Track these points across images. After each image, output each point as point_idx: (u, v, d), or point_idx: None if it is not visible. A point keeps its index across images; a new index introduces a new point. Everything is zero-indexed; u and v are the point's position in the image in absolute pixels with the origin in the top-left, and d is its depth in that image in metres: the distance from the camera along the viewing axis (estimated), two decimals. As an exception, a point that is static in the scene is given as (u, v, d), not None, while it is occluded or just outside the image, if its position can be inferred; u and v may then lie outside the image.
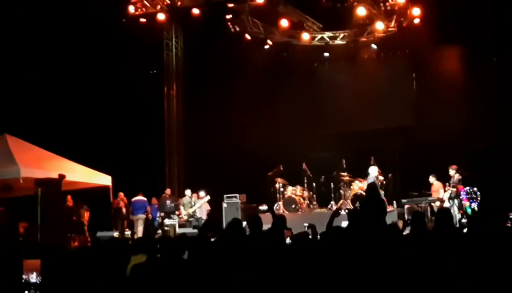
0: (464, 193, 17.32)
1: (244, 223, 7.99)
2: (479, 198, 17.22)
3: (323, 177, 20.69)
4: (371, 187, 11.62)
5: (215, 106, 22.74)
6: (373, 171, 18.03)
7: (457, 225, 14.93)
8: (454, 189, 17.36)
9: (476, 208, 17.08)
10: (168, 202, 20.68)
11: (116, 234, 17.75)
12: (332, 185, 20.23)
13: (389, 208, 17.36)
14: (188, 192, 20.30)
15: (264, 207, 18.83)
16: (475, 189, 17.31)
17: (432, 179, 18.38)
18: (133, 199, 21.06)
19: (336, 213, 8.69)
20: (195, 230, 17.91)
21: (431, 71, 21.10)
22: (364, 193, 18.55)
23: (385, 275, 6.20)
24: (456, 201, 17.27)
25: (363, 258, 6.45)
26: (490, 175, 18.42)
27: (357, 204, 17.49)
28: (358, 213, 10.24)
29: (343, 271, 6.26)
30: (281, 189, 20.38)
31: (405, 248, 6.97)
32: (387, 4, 20.32)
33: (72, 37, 21.20)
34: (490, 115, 19.25)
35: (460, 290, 6.02)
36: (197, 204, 19.98)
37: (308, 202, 20.36)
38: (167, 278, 6.32)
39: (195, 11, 20.96)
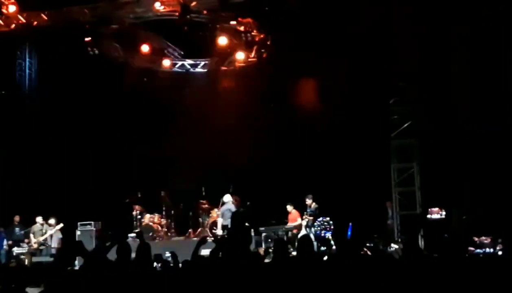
0: (318, 222, 17.81)
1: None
2: (331, 227, 17.77)
3: (181, 204, 20.53)
4: (236, 215, 11.59)
5: (71, 129, 21.96)
6: (227, 198, 18.19)
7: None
8: (311, 218, 17.80)
9: (330, 237, 17.59)
10: (17, 229, 19.73)
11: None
12: (190, 213, 20.10)
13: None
14: (39, 219, 19.43)
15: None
16: (328, 218, 17.85)
17: (289, 207, 18.75)
18: None
19: (203, 241, 8.54)
20: (51, 259, 17.19)
21: (289, 101, 21.54)
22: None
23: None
24: (312, 229, 17.72)
25: (227, 287, 6.39)
26: (346, 204, 19.08)
27: (225, 232, 17.64)
28: (224, 242, 10.18)
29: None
30: (139, 217, 19.96)
31: (268, 275, 6.98)
32: (248, 35, 20.64)
33: None
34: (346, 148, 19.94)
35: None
36: (49, 232, 19.19)
37: (166, 229, 20.07)
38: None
39: (52, 32, 20.22)
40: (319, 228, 17.71)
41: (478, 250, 14.45)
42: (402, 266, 6.96)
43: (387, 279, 6.56)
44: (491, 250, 14.59)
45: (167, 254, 12.21)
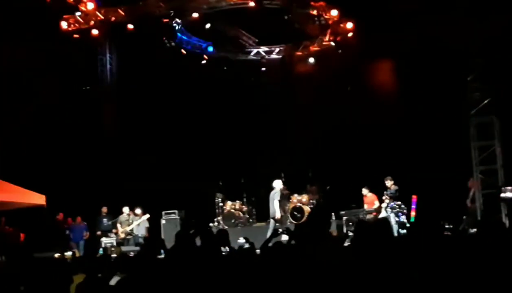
0: (390, 207, 17.64)
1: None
2: (404, 211, 17.58)
3: (262, 190, 20.75)
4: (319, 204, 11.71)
5: (152, 122, 22.50)
6: (278, 184, 18.22)
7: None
8: (391, 199, 17.67)
9: (405, 221, 17.41)
10: (105, 220, 20.42)
11: (56, 254, 17.28)
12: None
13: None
14: (125, 209, 20.00)
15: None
16: (399, 202, 17.66)
17: (365, 191, 18.67)
18: (72, 224, 20.83)
19: (275, 234, 8.67)
20: (137, 248, 17.69)
21: (365, 83, 21.41)
22: (302, 206, 18.74)
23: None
24: (393, 212, 17.57)
25: (305, 275, 6.45)
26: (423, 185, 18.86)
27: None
28: (301, 228, 10.28)
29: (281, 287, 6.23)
30: (220, 204, 20.30)
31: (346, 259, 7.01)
32: (321, 18, 20.57)
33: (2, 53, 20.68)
34: (425, 127, 19.64)
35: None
36: (135, 222, 19.74)
37: (248, 216, 20.35)
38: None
39: (130, 26, 20.73)
40: (394, 212, 17.54)
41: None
42: (480, 245, 6.83)
43: (466, 257, 6.47)
44: None
45: (242, 240, 12.32)
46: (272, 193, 18.04)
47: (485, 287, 5.73)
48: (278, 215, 17.75)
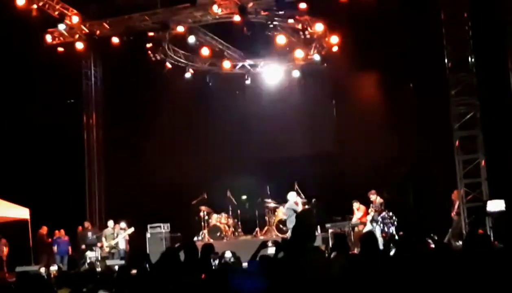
0: (381, 218, 17.68)
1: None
2: (395, 223, 17.60)
3: (247, 204, 20.74)
4: (302, 214, 11.63)
5: (136, 135, 22.46)
6: (292, 196, 18.16)
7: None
8: (376, 212, 17.71)
9: (394, 233, 17.43)
10: (89, 234, 20.34)
11: (41, 268, 17.16)
12: (257, 212, 20.28)
13: None
14: (110, 223, 20.01)
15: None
16: (391, 213, 17.70)
17: (356, 205, 18.68)
18: (56, 237, 20.79)
19: (264, 245, 8.66)
20: (122, 262, 17.62)
21: (350, 97, 21.53)
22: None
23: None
24: (378, 225, 17.60)
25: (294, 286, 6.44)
26: (409, 199, 18.94)
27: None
28: (285, 242, 10.27)
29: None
30: (206, 218, 20.24)
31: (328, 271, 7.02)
32: (306, 32, 20.64)
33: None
34: (409, 141, 19.73)
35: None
36: (120, 236, 19.70)
37: (233, 229, 20.31)
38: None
39: (115, 40, 20.68)
40: (383, 223, 17.56)
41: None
42: (466, 258, 6.85)
43: (451, 272, 6.49)
44: None
45: (228, 254, 12.30)
46: (286, 206, 17.94)
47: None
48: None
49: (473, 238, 7.21)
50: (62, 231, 20.93)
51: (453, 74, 17.45)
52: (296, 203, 17.90)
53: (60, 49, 20.82)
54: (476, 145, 17.35)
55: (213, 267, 8.54)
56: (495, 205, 16.48)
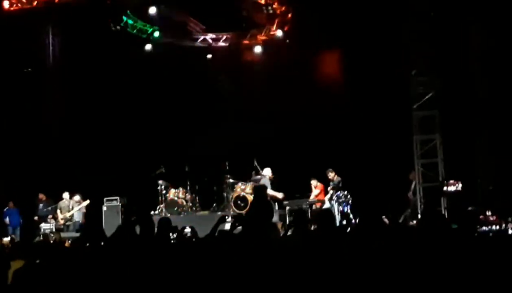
0: (336, 197, 17.80)
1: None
2: (350, 202, 17.74)
3: (206, 179, 20.62)
4: (259, 189, 11.65)
5: (95, 105, 22.13)
6: (268, 172, 18.13)
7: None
8: (334, 191, 17.83)
9: (349, 211, 17.58)
10: (41, 206, 20.11)
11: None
12: (215, 188, 20.22)
13: None
14: (66, 195, 19.75)
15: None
16: (345, 192, 17.83)
17: (314, 182, 18.75)
18: (8, 209, 20.56)
19: (222, 220, 8.67)
20: (77, 234, 17.42)
21: (312, 74, 21.51)
22: (246, 196, 18.65)
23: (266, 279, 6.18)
24: (335, 203, 17.72)
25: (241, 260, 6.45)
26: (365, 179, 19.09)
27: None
28: (244, 217, 10.31)
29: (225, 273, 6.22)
30: (163, 192, 20.06)
31: (285, 248, 7.03)
32: (269, 8, 20.54)
33: None
34: (367, 120, 19.87)
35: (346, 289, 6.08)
36: (76, 208, 19.50)
37: (191, 204, 20.18)
38: (49, 283, 6.05)
39: (74, 7, 20.24)
40: (337, 202, 17.69)
41: (484, 228, 14.03)
42: (421, 236, 6.93)
43: (407, 249, 6.55)
44: (497, 227, 14.18)
45: (187, 228, 12.30)
46: (261, 181, 17.88)
47: (426, 278, 5.80)
48: (280, 195, 17.68)
49: (428, 216, 7.30)
50: (11, 203, 20.63)
51: (414, 54, 17.60)
52: (270, 179, 17.89)
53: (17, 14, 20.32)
54: (434, 126, 17.56)
55: (171, 241, 8.47)
56: (452, 186, 16.76)
